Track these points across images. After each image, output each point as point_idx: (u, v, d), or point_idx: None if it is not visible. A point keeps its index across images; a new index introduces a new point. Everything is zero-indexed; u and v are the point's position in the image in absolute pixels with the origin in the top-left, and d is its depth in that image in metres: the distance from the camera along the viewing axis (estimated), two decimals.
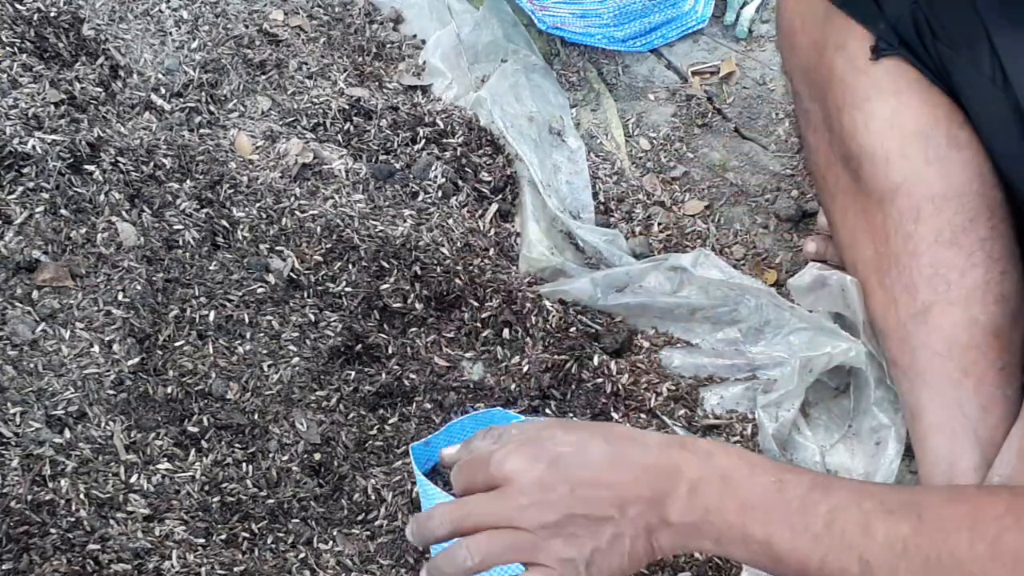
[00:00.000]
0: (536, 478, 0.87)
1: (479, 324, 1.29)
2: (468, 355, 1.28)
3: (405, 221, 1.38)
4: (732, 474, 0.84)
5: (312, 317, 1.28)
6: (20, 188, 1.25)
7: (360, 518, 1.14)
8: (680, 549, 0.88)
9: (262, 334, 1.26)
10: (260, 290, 1.28)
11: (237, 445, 1.17)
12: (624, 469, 0.86)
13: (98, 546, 1.06)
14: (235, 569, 1.07)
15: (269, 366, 1.23)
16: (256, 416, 1.19)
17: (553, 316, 1.30)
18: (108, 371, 1.17)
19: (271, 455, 1.17)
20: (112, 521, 1.08)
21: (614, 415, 1.24)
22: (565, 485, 0.86)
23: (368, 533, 1.13)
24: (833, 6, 1.15)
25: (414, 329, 1.29)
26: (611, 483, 0.86)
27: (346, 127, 1.48)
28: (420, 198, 1.42)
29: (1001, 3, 1.05)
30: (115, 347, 1.19)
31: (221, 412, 1.19)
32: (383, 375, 1.24)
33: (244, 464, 1.16)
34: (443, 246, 1.35)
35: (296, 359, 1.24)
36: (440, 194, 1.43)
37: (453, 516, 0.90)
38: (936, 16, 1.09)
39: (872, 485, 0.85)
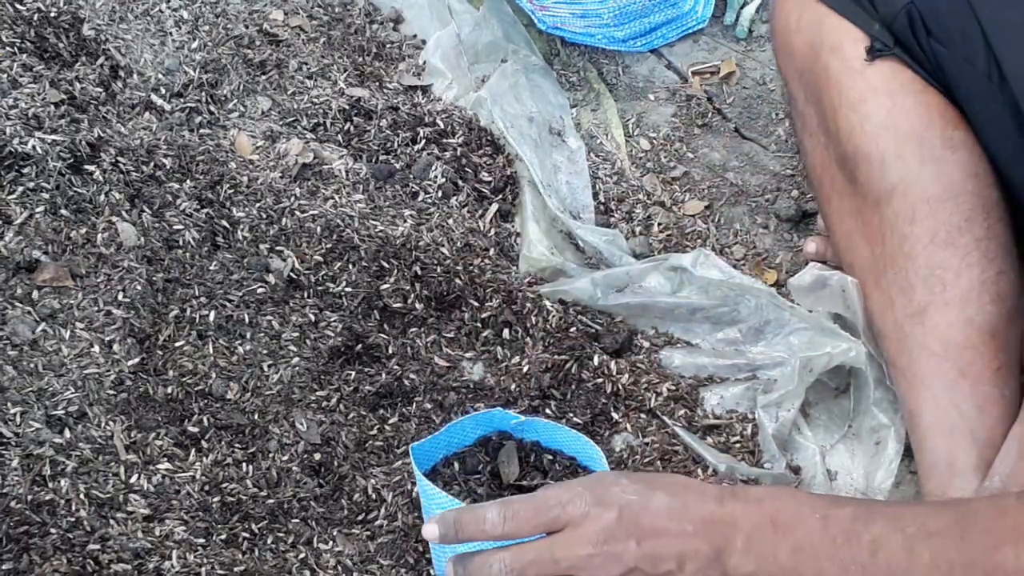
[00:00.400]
0: (603, 527, 0.87)
1: (479, 324, 1.29)
2: (468, 355, 1.28)
3: (405, 221, 1.38)
4: (780, 517, 0.85)
5: (312, 317, 1.28)
6: (20, 188, 1.25)
7: (360, 518, 1.14)
8: None
9: (262, 334, 1.26)
10: (260, 290, 1.28)
11: (237, 445, 1.17)
12: (686, 521, 0.87)
13: (98, 546, 1.06)
14: (235, 569, 1.07)
15: (269, 366, 1.23)
16: (256, 416, 1.19)
17: (553, 316, 1.30)
18: (108, 371, 1.17)
19: (271, 455, 1.17)
20: (112, 521, 1.08)
21: (614, 415, 1.24)
22: (632, 538, 0.87)
23: (368, 533, 1.13)
24: (827, 8, 1.15)
25: (414, 329, 1.29)
26: (674, 536, 0.86)
27: (346, 127, 1.48)
28: (420, 198, 1.42)
29: None
30: (115, 347, 1.19)
31: (221, 412, 1.19)
32: (383, 375, 1.24)
33: (244, 464, 1.16)
34: (443, 246, 1.35)
35: (296, 359, 1.24)
36: (440, 194, 1.43)
37: (515, 564, 0.90)
38: (931, 14, 1.09)
39: (913, 507, 0.87)
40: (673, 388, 1.28)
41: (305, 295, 1.29)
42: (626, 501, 0.87)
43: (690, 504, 0.87)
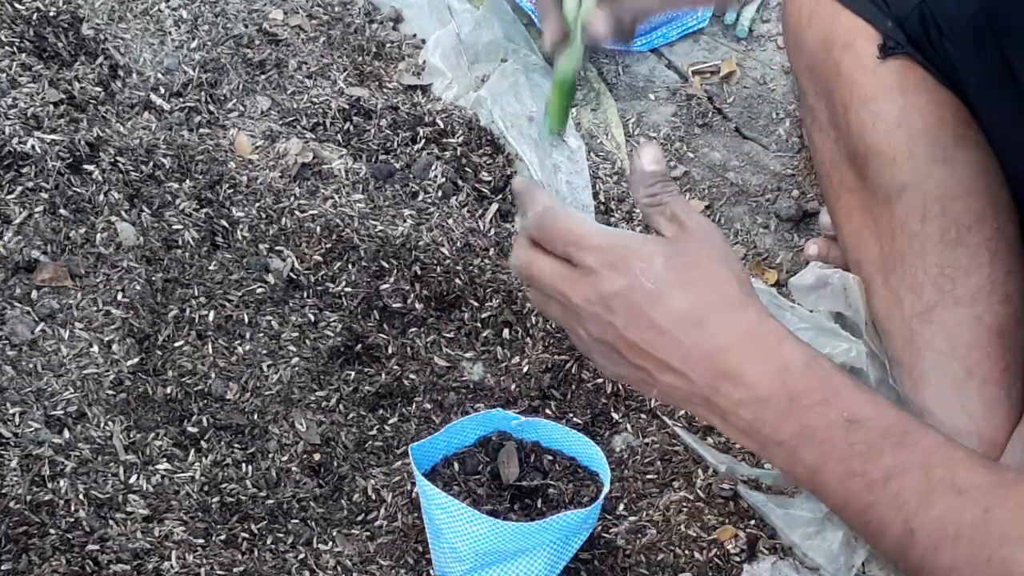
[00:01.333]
0: (599, 292, 0.81)
1: (479, 324, 1.29)
2: (468, 355, 1.28)
3: (405, 221, 1.38)
4: (803, 397, 0.78)
5: (312, 317, 1.27)
6: (19, 188, 1.25)
7: (360, 518, 1.14)
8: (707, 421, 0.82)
9: (261, 334, 1.25)
10: (260, 290, 1.28)
11: (237, 445, 1.17)
12: (693, 337, 0.79)
13: (97, 546, 1.05)
14: (235, 569, 1.07)
15: (268, 366, 1.23)
16: (256, 416, 1.19)
17: None
18: (107, 371, 1.17)
19: (271, 455, 1.16)
20: (111, 521, 1.08)
21: (614, 415, 1.24)
22: (621, 317, 0.80)
23: (368, 533, 1.13)
24: (840, 5, 1.15)
25: (414, 329, 1.29)
26: (668, 346, 0.80)
27: (346, 127, 1.48)
28: (420, 198, 1.42)
29: None
30: (114, 347, 1.18)
31: (221, 412, 1.19)
32: (383, 375, 1.24)
33: (244, 464, 1.16)
34: (443, 246, 1.35)
35: (296, 359, 1.24)
36: (440, 194, 1.43)
37: (528, 268, 0.86)
38: (943, 13, 1.09)
39: (953, 450, 0.77)
40: None
41: (305, 295, 1.29)
42: (639, 282, 0.80)
43: (704, 324, 0.80)
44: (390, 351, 1.26)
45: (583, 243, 0.83)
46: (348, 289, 1.30)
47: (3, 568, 1.02)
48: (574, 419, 1.23)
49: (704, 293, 0.81)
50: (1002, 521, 0.74)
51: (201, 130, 1.43)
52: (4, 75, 1.34)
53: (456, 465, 1.12)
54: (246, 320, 1.26)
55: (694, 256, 0.82)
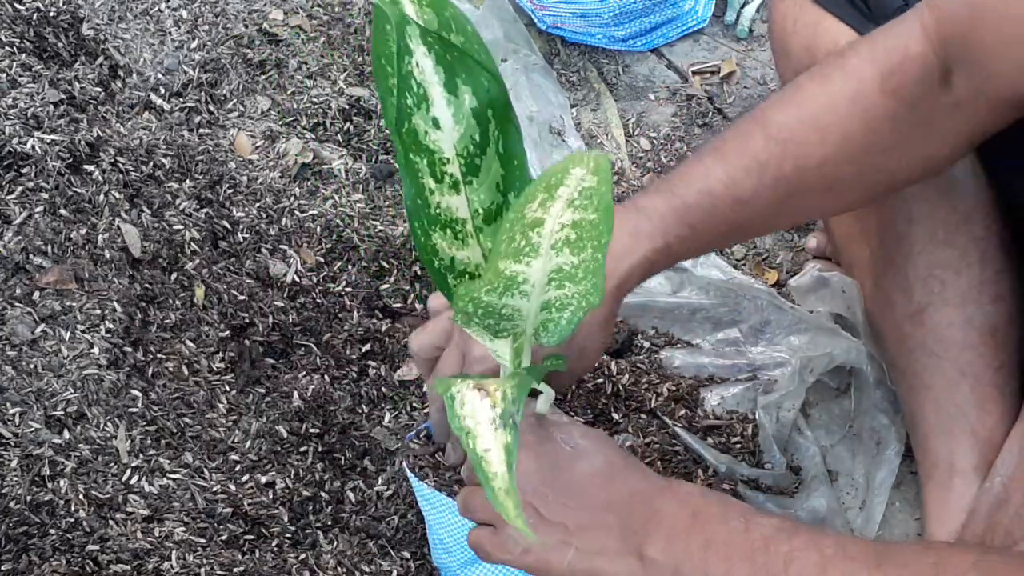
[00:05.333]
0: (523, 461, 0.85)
1: None
2: None
3: (405, 221, 1.38)
4: (702, 512, 0.84)
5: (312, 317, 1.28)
6: (19, 188, 1.25)
7: (360, 518, 1.14)
8: None
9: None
10: (259, 291, 1.28)
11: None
12: (605, 489, 0.85)
13: (97, 547, 1.05)
14: (235, 570, 1.07)
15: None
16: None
17: None
18: (107, 372, 1.17)
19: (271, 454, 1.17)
20: (111, 522, 1.08)
21: (614, 415, 1.24)
22: (543, 485, 0.85)
23: (368, 533, 1.13)
24: (824, 10, 1.15)
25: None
26: (586, 503, 0.85)
27: (346, 127, 1.48)
28: None
29: None
30: (115, 348, 1.18)
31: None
32: (383, 375, 1.24)
33: (245, 464, 1.16)
34: None
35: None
36: None
37: (461, 509, 0.90)
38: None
39: (839, 534, 0.86)
40: (673, 388, 1.28)
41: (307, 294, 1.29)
42: (556, 450, 0.85)
43: (617, 476, 0.85)
44: (390, 350, 1.26)
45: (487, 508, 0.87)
46: (348, 289, 1.30)
47: (3, 568, 1.02)
48: (575, 419, 1.23)
49: (608, 451, 0.87)
50: (896, 568, 0.79)
51: (201, 130, 1.43)
52: (4, 75, 1.34)
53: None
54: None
55: (608, 461, 0.87)
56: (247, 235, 1.32)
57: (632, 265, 0.95)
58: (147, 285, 1.24)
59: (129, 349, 1.19)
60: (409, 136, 0.78)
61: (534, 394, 0.87)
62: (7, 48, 1.38)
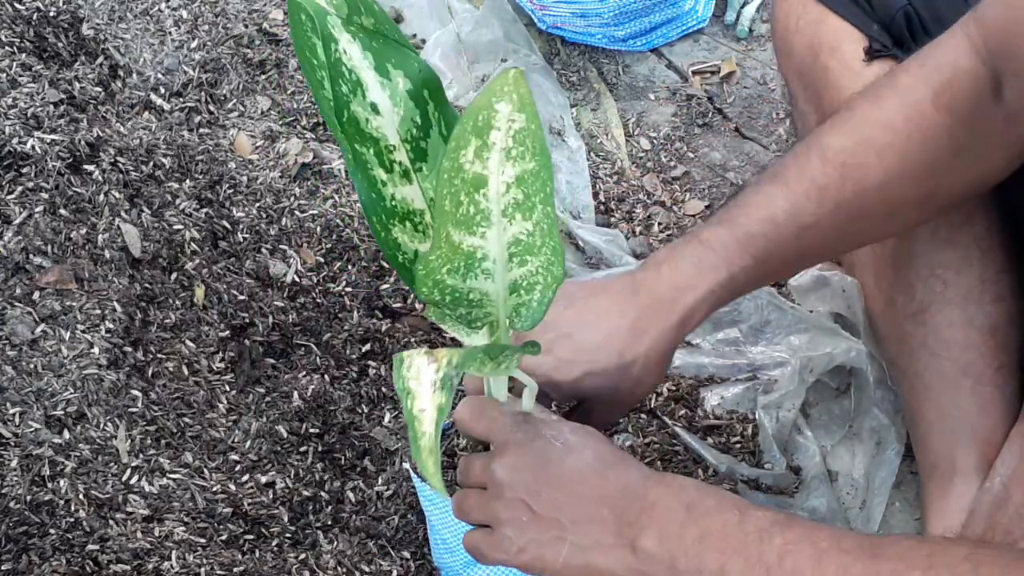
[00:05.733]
0: (513, 459, 0.84)
1: None
2: None
3: None
4: (696, 505, 0.83)
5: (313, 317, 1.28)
6: (19, 188, 1.25)
7: (360, 518, 1.14)
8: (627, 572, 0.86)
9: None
10: (259, 291, 1.28)
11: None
12: (599, 483, 0.84)
13: (97, 547, 1.05)
14: (235, 570, 1.07)
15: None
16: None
17: None
18: (108, 372, 1.17)
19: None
20: (111, 522, 1.08)
21: None
22: (533, 479, 0.84)
23: (368, 533, 1.13)
24: (826, 8, 1.15)
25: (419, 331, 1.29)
26: (577, 496, 0.84)
27: None
28: None
29: None
30: (115, 348, 1.18)
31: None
32: (383, 375, 1.24)
33: (245, 464, 1.16)
34: None
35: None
36: None
37: (456, 511, 0.90)
38: (929, 15, 1.09)
39: (834, 528, 0.84)
40: (673, 388, 1.28)
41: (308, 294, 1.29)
42: (546, 447, 0.85)
43: (609, 470, 0.85)
44: (391, 350, 1.26)
45: (502, 422, 0.86)
46: (348, 289, 1.30)
47: (3, 568, 1.02)
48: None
49: (599, 447, 0.86)
50: (889, 560, 0.78)
51: (201, 130, 1.43)
52: (4, 75, 1.34)
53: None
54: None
55: (595, 451, 0.86)
56: (247, 235, 1.32)
57: (697, 299, 0.93)
58: (147, 285, 1.24)
59: (129, 349, 1.19)
60: (351, 126, 0.77)
61: (519, 390, 0.87)
62: (7, 48, 1.38)
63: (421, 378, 0.69)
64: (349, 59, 0.76)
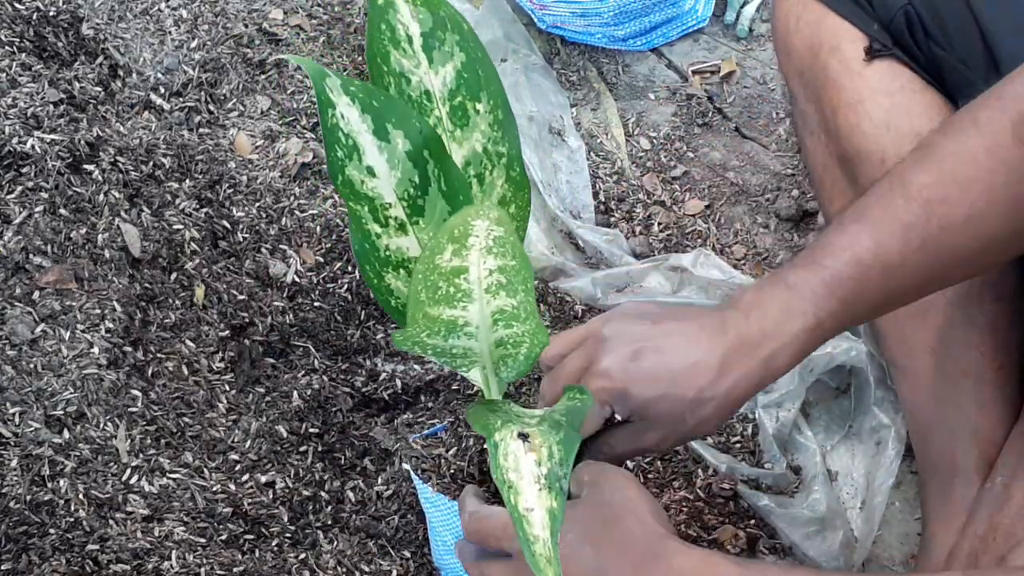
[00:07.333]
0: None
1: None
2: None
3: None
4: None
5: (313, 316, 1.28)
6: (19, 188, 1.25)
7: (360, 518, 1.14)
8: None
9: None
10: (259, 291, 1.28)
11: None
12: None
13: (97, 546, 1.05)
14: (235, 569, 1.07)
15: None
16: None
17: (552, 315, 1.30)
18: (107, 371, 1.17)
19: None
20: (111, 521, 1.08)
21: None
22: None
23: (368, 533, 1.13)
24: (826, 8, 1.15)
25: None
26: None
27: None
28: None
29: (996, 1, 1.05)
30: (114, 347, 1.18)
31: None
32: (383, 375, 1.24)
33: (245, 464, 1.16)
34: None
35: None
36: None
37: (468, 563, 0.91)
38: (929, 15, 1.09)
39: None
40: None
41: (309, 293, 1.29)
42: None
43: (611, 570, 0.84)
44: (391, 350, 1.26)
45: (507, 533, 0.86)
46: (348, 289, 1.30)
47: (3, 568, 1.02)
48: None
49: (599, 532, 0.85)
50: None
51: (201, 130, 1.43)
52: (4, 75, 1.34)
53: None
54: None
55: (604, 515, 0.86)
56: (247, 235, 1.32)
57: (782, 345, 0.92)
58: (147, 285, 1.24)
59: (129, 349, 1.19)
60: (346, 187, 0.79)
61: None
62: (7, 48, 1.38)
63: (522, 470, 0.68)
64: (347, 123, 0.77)
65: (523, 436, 0.69)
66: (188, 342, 1.23)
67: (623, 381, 0.88)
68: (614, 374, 0.86)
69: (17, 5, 1.43)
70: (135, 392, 1.17)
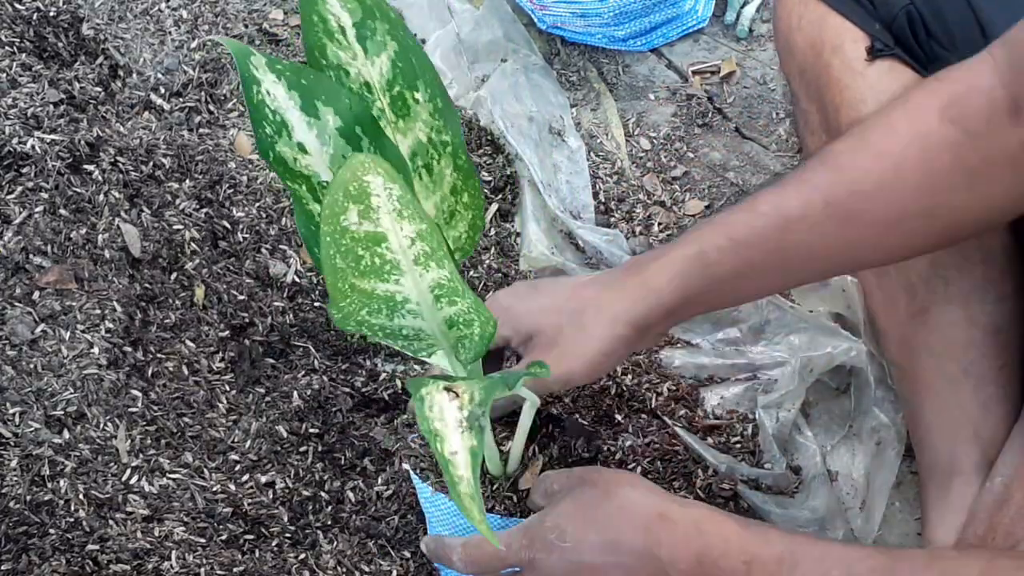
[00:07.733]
0: (548, 571, 0.88)
1: None
2: None
3: None
4: (706, 555, 0.85)
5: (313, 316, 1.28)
6: (19, 188, 1.25)
7: (360, 518, 1.14)
8: None
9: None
10: (259, 291, 1.28)
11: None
12: (622, 554, 0.87)
13: (97, 547, 1.05)
14: (235, 570, 1.07)
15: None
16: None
17: None
18: (107, 371, 1.17)
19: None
20: (111, 521, 1.08)
21: (617, 416, 1.24)
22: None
23: (368, 533, 1.13)
24: (828, 7, 1.15)
25: None
26: (612, 569, 0.87)
27: None
28: None
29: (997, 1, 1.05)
30: (114, 347, 1.18)
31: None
32: (383, 375, 1.24)
33: (245, 464, 1.16)
34: None
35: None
36: None
37: None
38: (931, 15, 1.09)
39: (846, 549, 0.86)
40: (674, 388, 1.28)
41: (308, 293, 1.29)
42: (560, 546, 0.87)
43: (622, 538, 0.87)
44: (391, 350, 1.26)
45: (514, 544, 0.89)
46: None
47: (3, 568, 1.02)
48: (579, 420, 1.23)
49: (601, 514, 0.88)
50: None
51: (201, 130, 1.43)
52: (4, 75, 1.34)
53: None
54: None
55: (598, 494, 0.89)
56: (247, 235, 1.32)
57: (660, 265, 0.94)
58: (147, 285, 1.24)
59: (129, 349, 1.19)
60: (279, 164, 0.79)
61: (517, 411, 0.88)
62: (7, 48, 1.38)
63: (446, 418, 0.70)
64: (273, 99, 0.77)
65: (448, 390, 0.71)
66: (188, 342, 1.23)
67: (511, 304, 0.97)
68: (501, 300, 0.95)
69: (17, 5, 1.43)
70: (135, 392, 1.17)
